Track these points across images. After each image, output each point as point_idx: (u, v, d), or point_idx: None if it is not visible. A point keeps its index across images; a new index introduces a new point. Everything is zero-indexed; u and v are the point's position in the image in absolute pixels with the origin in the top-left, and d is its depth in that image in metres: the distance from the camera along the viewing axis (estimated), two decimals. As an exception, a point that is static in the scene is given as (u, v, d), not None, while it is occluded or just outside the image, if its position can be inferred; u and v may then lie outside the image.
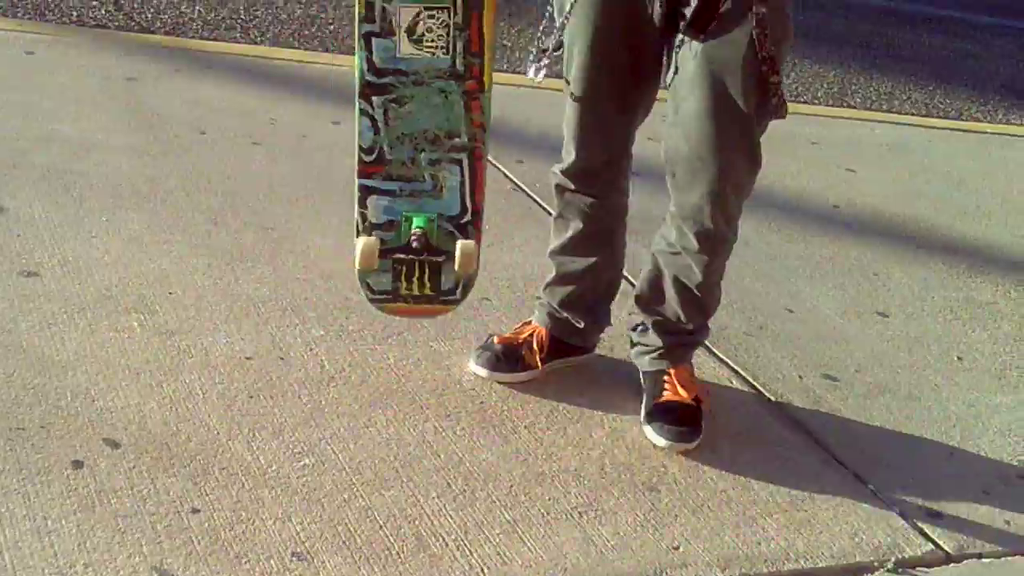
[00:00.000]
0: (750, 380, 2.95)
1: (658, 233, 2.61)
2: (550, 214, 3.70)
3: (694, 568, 2.22)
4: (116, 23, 4.86)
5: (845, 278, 3.76)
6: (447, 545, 2.13)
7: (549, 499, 2.32)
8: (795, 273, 3.72)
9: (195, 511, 2.07)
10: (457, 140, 2.27)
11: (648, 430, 2.58)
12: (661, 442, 2.54)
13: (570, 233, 2.71)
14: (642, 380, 2.71)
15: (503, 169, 4.02)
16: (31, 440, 2.14)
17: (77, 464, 2.11)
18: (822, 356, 3.17)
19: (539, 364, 2.70)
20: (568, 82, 2.51)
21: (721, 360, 3.01)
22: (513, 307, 3.05)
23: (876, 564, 2.33)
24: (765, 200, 4.30)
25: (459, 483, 2.30)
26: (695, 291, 2.56)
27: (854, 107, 6.19)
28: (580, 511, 2.31)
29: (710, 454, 2.58)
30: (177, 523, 2.03)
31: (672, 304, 2.60)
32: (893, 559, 2.35)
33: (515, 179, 3.95)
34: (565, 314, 2.73)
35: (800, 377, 3.02)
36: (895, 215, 4.47)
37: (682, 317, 2.61)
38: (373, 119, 2.21)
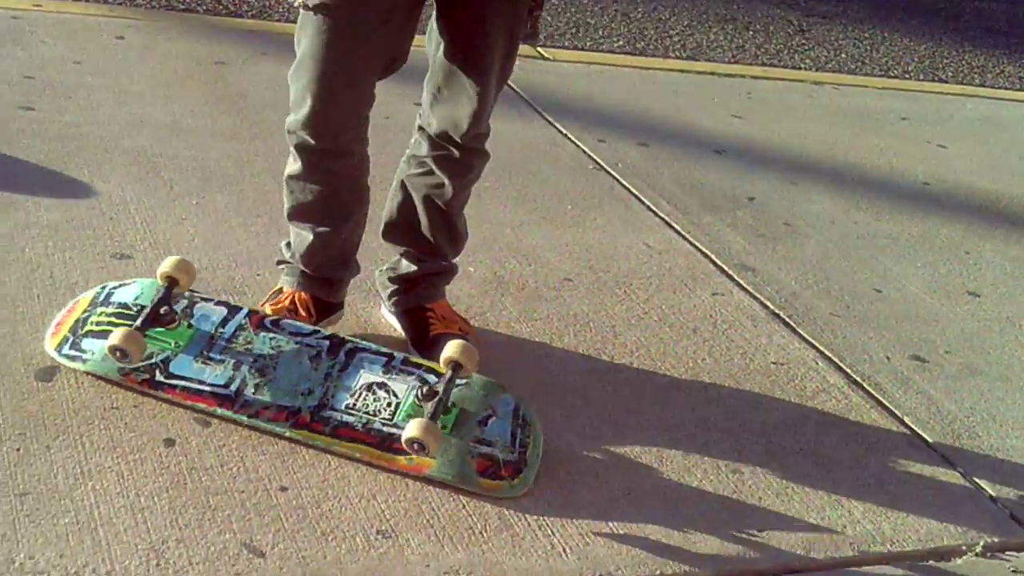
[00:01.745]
0: (836, 361, 2.91)
1: (403, 159, 2.56)
2: (632, 193, 3.71)
3: (777, 550, 2.20)
4: (204, 7, 4.93)
5: (935, 256, 3.70)
6: (529, 524, 2.14)
7: (633, 480, 2.32)
8: (883, 252, 3.66)
9: (283, 489, 2.11)
10: None
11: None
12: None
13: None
14: (400, 323, 2.64)
15: (584, 148, 4.01)
16: (124, 419, 2.20)
17: (169, 442, 2.17)
18: (911, 337, 3.13)
19: None
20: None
21: (807, 341, 2.98)
22: (594, 288, 3.05)
23: (964, 548, 2.30)
24: (852, 177, 4.25)
25: (541, 462, 2.31)
26: (446, 211, 2.52)
27: (945, 81, 6.06)
28: (664, 493, 2.30)
29: (794, 436, 2.56)
30: (266, 500, 2.07)
31: (424, 230, 2.55)
32: (981, 543, 2.31)
33: (596, 158, 3.94)
34: (321, 274, 2.55)
35: (888, 358, 2.98)
36: (987, 192, 4.37)
37: (434, 242, 2.56)
38: None
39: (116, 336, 2.20)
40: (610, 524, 2.18)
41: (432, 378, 2.30)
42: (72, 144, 3.30)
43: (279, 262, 2.61)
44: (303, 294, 2.54)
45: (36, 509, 1.93)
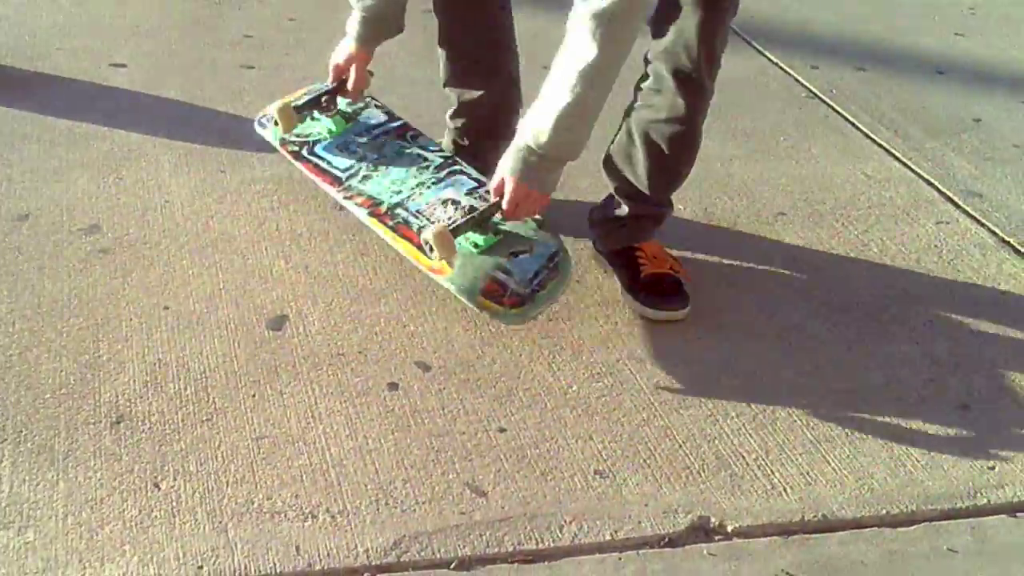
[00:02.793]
0: (1073, 289, 2.76)
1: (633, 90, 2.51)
2: (849, 121, 3.58)
3: (1011, 488, 2.12)
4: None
5: None
6: (748, 464, 2.13)
7: (854, 418, 2.27)
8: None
9: (502, 430, 2.16)
10: None
11: (636, 304, 2.52)
12: (652, 314, 2.50)
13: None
14: (609, 263, 2.66)
15: (796, 75, 3.89)
16: (350, 364, 2.29)
17: (393, 386, 2.25)
18: None
19: None
20: None
21: (1040, 269, 2.83)
22: (810, 221, 2.97)
23: None
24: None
25: (759, 402, 2.29)
26: (664, 151, 2.46)
27: None
28: (887, 431, 2.24)
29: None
30: (486, 442, 2.12)
31: (639, 168, 2.50)
32: None
33: (810, 86, 3.82)
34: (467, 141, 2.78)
35: None
36: None
37: (649, 182, 2.51)
38: None
39: (274, 107, 2.78)
40: (831, 464, 2.14)
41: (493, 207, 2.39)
42: (291, 100, 3.42)
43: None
44: None
45: (272, 452, 2.04)
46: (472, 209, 2.41)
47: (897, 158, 3.36)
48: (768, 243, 2.85)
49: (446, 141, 2.84)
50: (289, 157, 2.73)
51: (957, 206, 3.11)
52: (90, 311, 2.36)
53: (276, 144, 2.78)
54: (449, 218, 2.41)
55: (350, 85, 2.73)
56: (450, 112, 2.83)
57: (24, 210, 2.70)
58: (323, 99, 2.77)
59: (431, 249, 2.30)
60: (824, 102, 3.72)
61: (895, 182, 3.22)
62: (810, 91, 3.79)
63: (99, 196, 2.79)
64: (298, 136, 2.75)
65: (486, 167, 2.53)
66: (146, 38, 3.75)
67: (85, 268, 2.50)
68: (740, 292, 2.65)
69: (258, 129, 2.86)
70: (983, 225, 3.02)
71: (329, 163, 2.67)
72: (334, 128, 2.76)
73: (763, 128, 3.49)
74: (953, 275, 2.78)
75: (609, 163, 2.59)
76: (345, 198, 2.57)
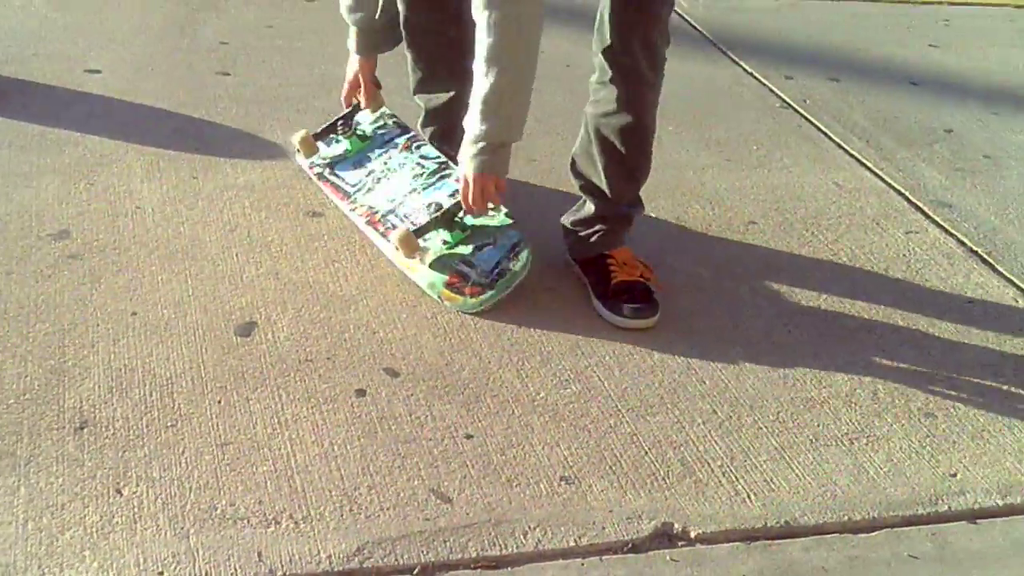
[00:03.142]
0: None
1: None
2: (821, 131, 3.61)
3: (972, 495, 2.13)
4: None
5: None
6: (712, 471, 2.13)
7: (819, 425, 2.28)
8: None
9: (469, 437, 2.16)
10: None
11: (605, 312, 2.54)
12: (621, 322, 2.51)
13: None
14: (581, 272, 2.68)
15: (770, 86, 3.91)
16: (318, 371, 2.29)
17: (360, 392, 2.25)
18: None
19: None
20: None
21: (1006, 278, 2.86)
22: (781, 230, 2.99)
23: None
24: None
25: (725, 409, 2.30)
26: (618, 146, 2.49)
27: None
28: (851, 437, 2.26)
29: (993, 377, 2.46)
30: (452, 448, 2.13)
31: (599, 166, 2.55)
32: None
33: (784, 96, 3.84)
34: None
35: (1097, 294, 2.82)
36: None
37: (609, 181, 2.55)
38: None
39: (296, 136, 2.94)
40: (795, 470, 2.15)
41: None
42: (267, 107, 3.42)
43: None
44: None
45: (237, 458, 2.04)
46: (438, 208, 2.57)
47: (869, 168, 3.38)
48: (739, 251, 2.87)
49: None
50: (314, 179, 2.93)
51: (927, 216, 3.13)
52: (57, 316, 2.36)
53: (306, 167, 2.97)
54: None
55: (362, 98, 2.92)
56: (420, 121, 2.85)
57: (-6, 215, 2.70)
58: (339, 123, 2.97)
59: (396, 249, 2.53)
60: (798, 112, 3.74)
61: (866, 192, 3.24)
62: (784, 101, 3.81)
63: (69, 202, 2.79)
64: (322, 159, 2.95)
65: None
66: (122, 44, 3.74)
67: (53, 274, 2.50)
68: (710, 299, 2.66)
69: (296, 158, 3.03)
70: (952, 235, 3.04)
71: (343, 180, 2.87)
72: (350, 148, 2.94)
73: (737, 137, 3.51)
74: (921, 283, 2.80)
75: (574, 165, 2.64)
76: (351, 210, 2.76)
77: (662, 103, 2.52)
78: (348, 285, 2.58)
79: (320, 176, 2.91)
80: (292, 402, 2.20)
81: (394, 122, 2.97)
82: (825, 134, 3.59)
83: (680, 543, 1.98)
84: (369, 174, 2.84)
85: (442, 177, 2.74)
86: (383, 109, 2.98)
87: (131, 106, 3.32)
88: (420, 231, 2.56)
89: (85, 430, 2.06)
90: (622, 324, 2.51)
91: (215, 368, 2.26)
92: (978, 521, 2.08)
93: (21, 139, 3.05)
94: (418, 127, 2.92)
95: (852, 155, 3.46)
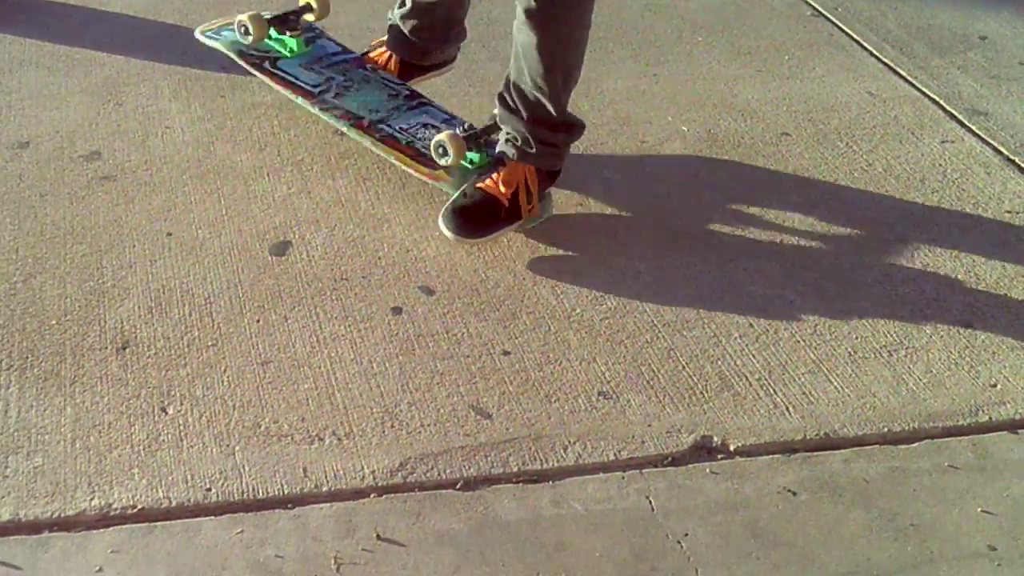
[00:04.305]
0: (1078, 207, 2.75)
1: None
2: (854, 39, 3.54)
3: (1013, 406, 2.13)
4: None
5: None
6: (751, 384, 2.14)
7: (856, 337, 2.27)
8: None
9: (506, 353, 2.16)
10: None
11: (440, 221, 2.45)
12: (447, 234, 2.43)
13: None
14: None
15: (802, -5, 3.84)
16: (354, 289, 2.30)
17: (396, 310, 2.25)
18: None
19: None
20: None
21: (1045, 187, 2.82)
22: (814, 141, 2.95)
23: None
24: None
25: (761, 323, 2.29)
26: (529, 78, 2.37)
27: None
28: (890, 349, 2.25)
29: (1031, 288, 2.44)
30: (490, 364, 2.13)
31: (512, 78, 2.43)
32: None
33: (815, 4, 3.77)
34: (417, 37, 2.80)
35: None
36: None
37: (521, 110, 2.41)
38: None
39: (245, 15, 2.76)
40: (834, 383, 2.15)
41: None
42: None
43: (388, 21, 2.82)
44: (395, 56, 2.84)
45: (278, 376, 2.05)
46: (471, 127, 2.54)
47: (903, 76, 3.33)
48: (773, 163, 2.84)
49: (389, 37, 2.85)
50: (249, 67, 2.79)
51: (962, 125, 3.09)
52: (93, 237, 2.36)
53: (231, 54, 2.81)
54: (435, 138, 2.51)
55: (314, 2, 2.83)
56: (401, 11, 2.78)
57: (24, 137, 2.69)
58: (291, 16, 2.83)
59: (444, 151, 2.45)
60: (829, 20, 3.67)
61: (900, 101, 3.19)
62: (815, 9, 3.74)
63: (99, 122, 2.78)
64: (257, 51, 2.82)
65: (433, 65, 2.88)
66: (143, -38, 3.69)
67: (87, 195, 2.50)
68: (744, 213, 2.64)
69: (204, 40, 2.87)
70: (988, 144, 3.00)
71: (296, 78, 2.75)
72: (295, 48, 2.83)
73: (768, 47, 3.45)
74: (958, 194, 2.77)
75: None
76: (321, 110, 2.68)
77: (692, 12, 2.47)
78: (380, 203, 2.57)
79: (259, 67, 2.77)
80: (330, 320, 2.20)
81: (329, 39, 2.93)
82: (858, 42, 3.53)
83: (719, 456, 1.99)
84: (329, 80, 2.77)
85: (421, 103, 2.74)
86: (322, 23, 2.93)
87: (155, 25, 3.29)
88: (468, 139, 2.49)
89: (127, 350, 2.07)
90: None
91: (252, 287, 2.27)
92: (1019, 431, 2.08)
93: (48, 59, 3.03)
94: (395, 15, 2.80)
95: (885, 63, 3.40)
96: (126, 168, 2.60)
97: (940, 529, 1.87)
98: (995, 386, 2.17)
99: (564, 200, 2.62)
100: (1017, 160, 2.92)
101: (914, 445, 2.03)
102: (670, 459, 1.97)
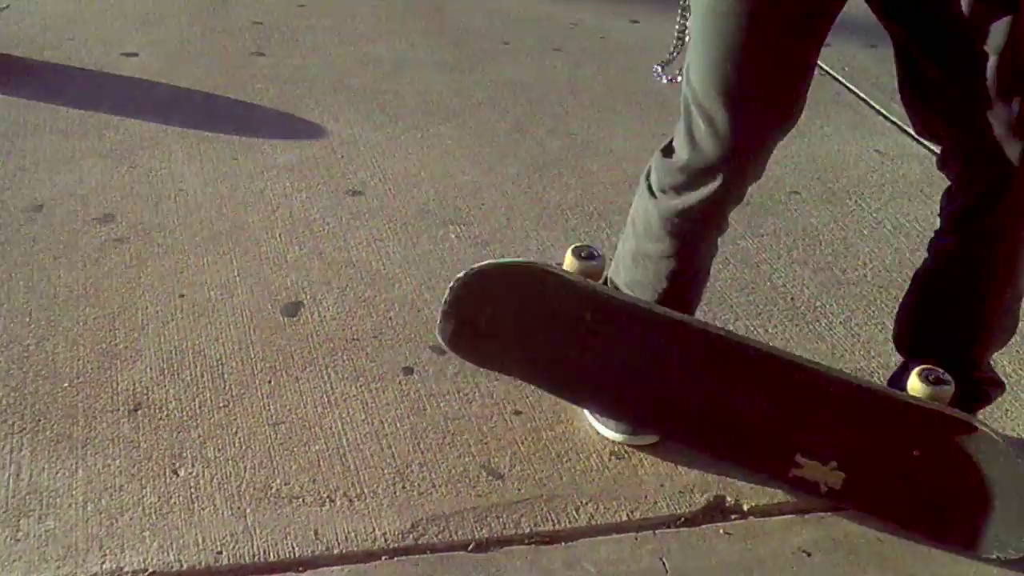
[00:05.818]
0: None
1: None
2: (861, 98, 3.57)
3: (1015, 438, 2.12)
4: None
5: None
6: (763, 443, 2.12)
7: (868, 395, 2.27)
8: None
9: (517, 413, 2.16)
10: None
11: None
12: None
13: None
14: None
15: (809, 54, 3.87)
16: (365, 349, 2.30)
17: (407, 371, 2.25)
18: None
19: None
20: None
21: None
22: (823, 199, 2.97)
23: None
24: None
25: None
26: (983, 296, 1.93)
27: None
28: (901, 407, 2.24)
29: (1044, 345, 2.44)
30: (501, 424, 2.13)
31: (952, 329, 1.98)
32: None
33: (821, 63, 3.80)
34: None
35: None
36: None
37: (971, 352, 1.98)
38: None
39: None
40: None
41: None
42: (302, 86, 3.43)
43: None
44: None
45: (289, 438, 2.05)
46: None
47: (910, 135, 3.34)
48: (783, 221, 2.85)
49: None
50: None
51: (971, 182, 3.09)
52: (106, 300, 2.38)
53: None
54: None
55: None
56: None
57: (38, 200, 2.71)
58: None
59: None
60: (836, 79, 3.70)
61: (909, 159, 3.21)
62: (822, 67, 3.77)
63: (113, 185, 2.80)
64: None
65: None
66: (156, 26, 3.75)
67: (100, 257, 2.51)
68: (754, 271, 2.65)
69: None
70: (997, 200, 3.00)
71: None
72: None
73: (775, 106, 3.47)
74: (967, 251, 2.77)
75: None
76: None
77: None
78: (391, 263, 2.58)
79: None
80: (341, 381, 2.20)
81: None
82: (865, 101, 3.56)
83: (733, 516, 1.97)
84: None
85: None
86: None
87: (168, 89, 3.34)
88: None
89: (139, 412, 2.08)
90: None
91: (263, 348, 2.27)
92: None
93: (62, 123, 3.07)
94: None
95: (893, 121, 3.43)
96: (139, 230, 2.62)
97: (957, 590, 1.85)
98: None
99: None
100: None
101: (929, 504, 2.02)
102: (683, 520, 1.96)
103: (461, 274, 1.99)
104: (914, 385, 1.84)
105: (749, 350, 1.93)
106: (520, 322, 2.01)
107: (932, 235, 2.02)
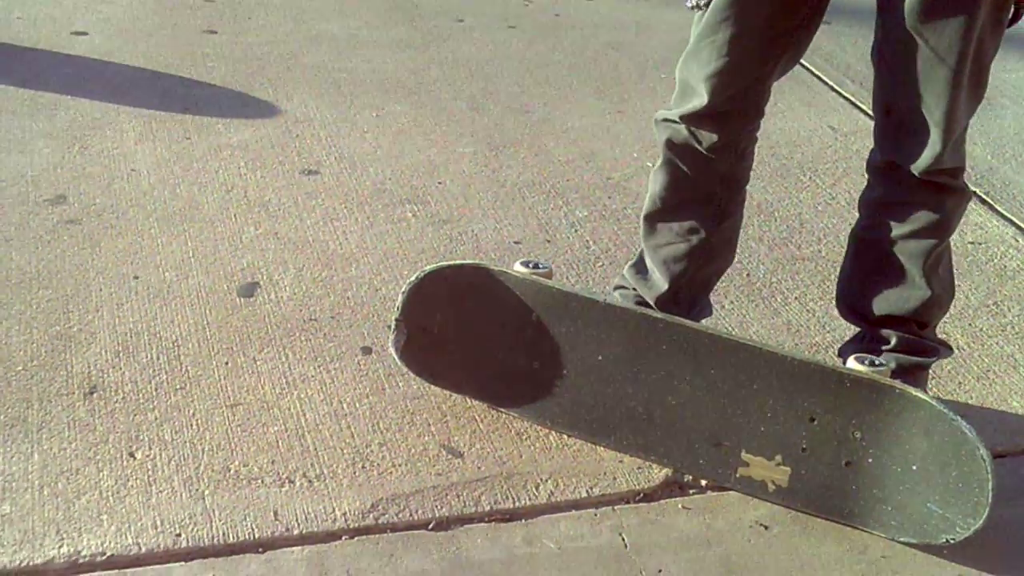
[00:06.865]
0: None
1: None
2: (814, 74, 3.59)
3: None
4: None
5: None
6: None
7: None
8: (1088, 119, 3.45)
9: (476, 391, 2.16)
10: None
11: None
12: None
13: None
14: None
15: (763, 31, 3.89)
16: (323, 329, 2.29)
17: (366, 350, 2.25)
18: (1120, 208, 2.95)
19: None
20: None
21: (1005, 218, 2.86)
22: (778, 175, 2.99)
23: None
24: (1052, 41, 4.00)
25: (730, 357, 2.30)
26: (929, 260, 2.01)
27: None
28: (856, 381, 2.27)
29: (994, 317, 2.47)
30: (460, 403, 2.13)
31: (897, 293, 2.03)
32: None
33: (776, 41, 3.82)
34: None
35: (1095, 232, 2.83)
36: None
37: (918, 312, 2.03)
38: None
39: None
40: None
41: None
42: (255, 64, 3.40)
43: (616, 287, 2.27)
44: None
45: (247, 419, 2.04)
46: None
47: (863, 111, 3.37)
48: (737, 198, 2.86)
49: None
50: None
51: (923, 157, 3.12)
52: (59, 282, 2.35)
53: None
54: None
55: None
56: None
57: (-12, 182, 2.68)
58: None
59: None
60: (790, 56, 3.71)
61: (862, 135, 3.23)
62: (776, 45, 3.79)
63: (64, 166, 2.77)
64: None
65: None
66: (106, 4, 3.70)
67: (53, 239, 2.48)
68: (710, 248, 2.66)
69: None
70: (949, 176, 3.03)
71: None
72: None
73: (730, 83, 3.49)
74: (920, 226, 2.80)
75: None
76: None
77: (654, 50, 2.50)
78: (348, 243, 2.57)
79: None
80: (299, 362, 2.20)
81: None
82: (818, 77, 3.58)
83: (691, 491, 1.99)
84: None
85: None
86: None
87: (119, 68, 3.29)
88: None
89: (95, 395, 2.06)
90: None
91: (220, 330, 2.26)
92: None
93: (11, 103, 3.02)
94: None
95: (846, 98, 3.45)
96: (92, 212, 2.59)
97: (911, 561, 1.88)
98: (962, 416, 2.18)
99: (530, 235, 2.63)
100: (978, 191, 2.96)
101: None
102: (642, 495, 1.97)
103: (413, 278, 2.02)
104: (852, 368, 1.86)
105: (694, 334, 1.93)
106: (470, 326, 2.04)
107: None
